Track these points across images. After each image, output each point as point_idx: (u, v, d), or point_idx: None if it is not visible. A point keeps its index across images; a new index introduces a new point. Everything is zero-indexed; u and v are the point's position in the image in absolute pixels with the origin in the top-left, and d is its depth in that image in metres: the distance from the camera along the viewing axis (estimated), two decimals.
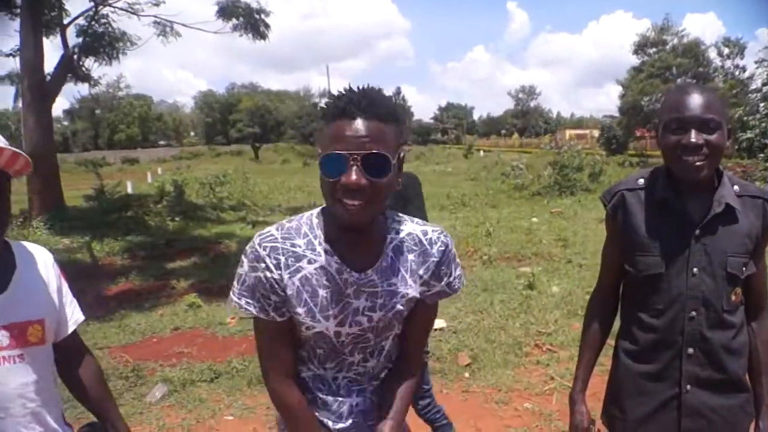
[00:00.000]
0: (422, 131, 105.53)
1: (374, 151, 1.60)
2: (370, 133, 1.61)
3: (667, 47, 50.39)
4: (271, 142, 71.67)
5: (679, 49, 49.54)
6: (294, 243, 1.79)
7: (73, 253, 12.25)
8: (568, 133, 72.95)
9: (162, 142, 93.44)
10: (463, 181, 28.87)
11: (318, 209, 1.89)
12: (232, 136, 73.14)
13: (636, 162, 37.64)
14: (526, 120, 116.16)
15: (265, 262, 1.76)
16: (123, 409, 5.14)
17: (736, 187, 2.17)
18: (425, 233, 1.90)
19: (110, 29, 19.38)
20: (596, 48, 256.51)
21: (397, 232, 1.88)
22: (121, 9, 18.99)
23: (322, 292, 1.78)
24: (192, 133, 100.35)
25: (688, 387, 2.19)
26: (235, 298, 1.83)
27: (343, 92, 1.69)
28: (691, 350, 2.17)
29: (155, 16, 20.06)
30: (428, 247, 1.88)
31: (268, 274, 1.76)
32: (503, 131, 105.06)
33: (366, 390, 1.99)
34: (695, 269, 2.13)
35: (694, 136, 2.01)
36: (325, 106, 1.71)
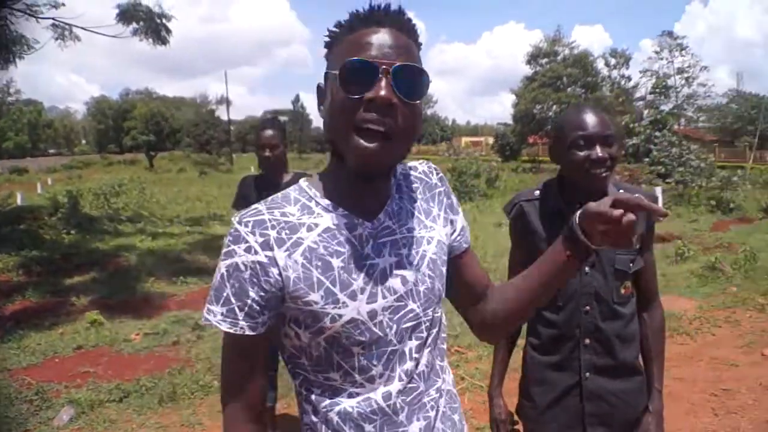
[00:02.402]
0: (322, 139, 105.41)
1: (410, 63, 1.30)
2: (401, 45, 1.31)
3: (559, 58, 52.27)
4: (167, 150, 70.31)
5: (570, 59, 51.43)
6: (284, 212, 1.38)
7: None
8: (464, 140, 74.66)
9: (52, 151, 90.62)
10: None
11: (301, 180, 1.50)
12: (126, 144, 71.13)
13: (529, 168, 38.63)
14: (424, 127, 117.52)
15: (247, 242, 1.32)
16: None
17: (620, 190, 2.34)
18: (414, 168, 1.61)
19: (7, 32, 18.62)
20: (490, 58, 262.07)
21: (394, 174, 1.54)
22: (19, 11, 18.26)
23: (336, 262, 1.35)
24: (84, 141, 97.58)
25: (587, 374, 2.39)
26: (204, 311, 1.38)
27: (364, 6, 1.36)
28: (587, 341, 2.37)
29: (54, 19, 19.41)
30: (427, 179, 1.59)
31: (252, 258, 1.31)
32: None
33: (428, 407, 1.47)
34: (587, 268, 2.32)
35: (600, 151, 2.20)
36: (337, 25, 1.38)
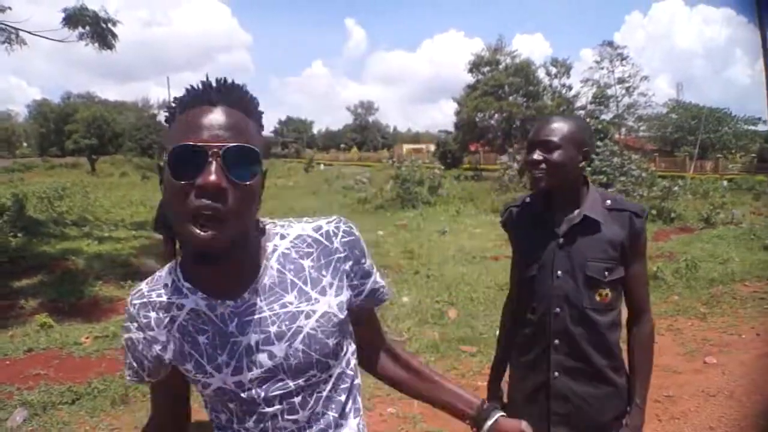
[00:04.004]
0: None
1: (239, 144, 1.26)
2: (233, 124, 1.28)
3: (500, 67, 52.68)
4: (109, 154, 69.13)
5: (511, 68, 51.94)
6: (160, 293, 1.47)
7: None
8: (405, 147, 74.86)
9: None
10: (305, 195, 29.09)
11: None
12: (68, 147, 69.77)
13: (471, 175, 38.88)
14: (365, 134, 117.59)
15: (136, 321, 1.48)
16: None
17: (608, 201, 2.46)
18: (318, 228, 1.52)
19: None
20: (431, 65, 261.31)
21: (282, 237, 1.49)
22: None
23: (202, 339, 1.43)
24: (25, 144, 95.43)
25: (556, 374, 2.48)
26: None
27: (198, 82, 1.34)
28: (557, 341, 2.46)
29: (1, 23, 19.09)
30: (327, 243, 1.50)
31: (140, 335, 1.48)
32: (342, 145, 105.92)
33: None
34: (559, 272, 2.44)
35: (535, 155, 2.40)
36: (174, 101, 1.36)
